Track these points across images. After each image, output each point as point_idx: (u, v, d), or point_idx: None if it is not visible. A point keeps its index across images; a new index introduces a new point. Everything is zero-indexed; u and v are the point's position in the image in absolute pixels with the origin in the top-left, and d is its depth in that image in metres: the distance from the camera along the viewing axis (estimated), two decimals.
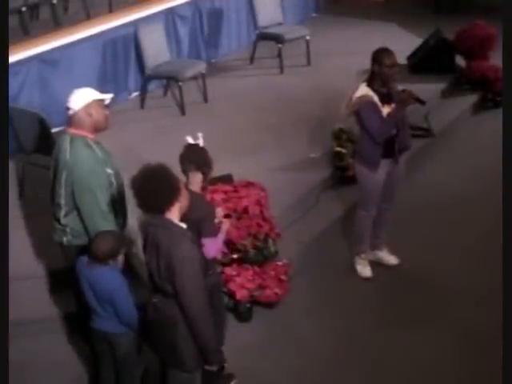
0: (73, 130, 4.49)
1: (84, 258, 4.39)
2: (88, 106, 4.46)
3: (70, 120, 4.52)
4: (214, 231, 4.59)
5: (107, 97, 4.59)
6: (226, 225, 4.76)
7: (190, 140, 4.60)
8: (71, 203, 4.48)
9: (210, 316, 3.99)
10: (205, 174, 4.57)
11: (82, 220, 4.50)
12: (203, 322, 3.95)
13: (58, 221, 4.60)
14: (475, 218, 6.82)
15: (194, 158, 4.51)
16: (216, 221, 4.68)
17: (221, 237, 4.66)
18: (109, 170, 4.50)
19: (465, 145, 8.20)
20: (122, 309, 4.32)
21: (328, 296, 5.88)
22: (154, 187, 3.87)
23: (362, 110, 5.56)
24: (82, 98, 4.47)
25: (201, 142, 4.61)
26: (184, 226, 4.01)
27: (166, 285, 3.95)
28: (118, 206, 4.57)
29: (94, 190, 4.40)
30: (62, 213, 4.55)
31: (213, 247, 4.54)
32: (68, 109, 4.49)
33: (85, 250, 4.45)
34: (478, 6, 10.94)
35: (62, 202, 4.51)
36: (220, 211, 4.83)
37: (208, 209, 4.62)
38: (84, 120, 4.46)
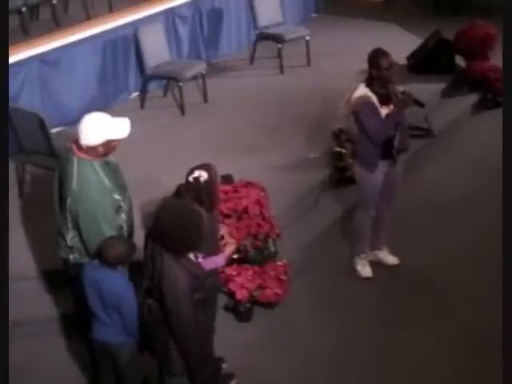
0: (80, 154, 4.33)
1: (93, 263, 4.35)
2: (101, 145, 4.31)
3: (78, 144, 4.32)
4: (213, 249, 4.51)
5: (123, 136, 4.39)
6: (231, 247, 4.68)
7: (195, 174, 4.43)
8: (77, 227, 4.38)
9: (197, 338, 3.98)
10: (210, 207, 4.48)
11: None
12: (190, 344, 3.98)
13: (64, 239, 4.50)
14: (475, 217, 6.82)
15: (197, 196, 4.37)
16: (223, 242, 4.63)
17: (221, 258, 4.59)
18: (116, 196, 4.38)
19: (465, 145, 8.20)
20: (129, 315, 4.27)
21: (328, 296, 5.88)
22: (182, 236, 3.84)
23: (360, 111, 5.56)
24: (96, 136, 4.27)
25: (204, 177, 4.43)
26: None
27: (157, 295, 3.97)
28: (126, 227, 4.50)
29: (99, 222, 4.29)
30: (70, 235, 4.45)
31: (207, 266, 4.40)
32: (79, 134, 4.28)
33: None
34: (478, 6, 10.94)
35: (69, 225, 4.41)
36: (226, 232, 4.74)
37: (208, 227, 4.56)
38: (94, 152, 4.32)
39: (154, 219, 3.96)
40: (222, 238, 4.70)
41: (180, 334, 3.95)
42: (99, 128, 4.30)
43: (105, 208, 4.31)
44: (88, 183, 4.29)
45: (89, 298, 4.35)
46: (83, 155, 4.33)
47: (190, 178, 4.45)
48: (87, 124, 4.31)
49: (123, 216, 4.46)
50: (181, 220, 3.87)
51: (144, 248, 4.16)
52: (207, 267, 4.43)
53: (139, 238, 4.43)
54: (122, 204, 4.44)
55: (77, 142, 4.33)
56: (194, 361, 4.03)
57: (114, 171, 4.48)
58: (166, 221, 3.89)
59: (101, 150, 4.33)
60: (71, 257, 4.53)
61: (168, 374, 4.18)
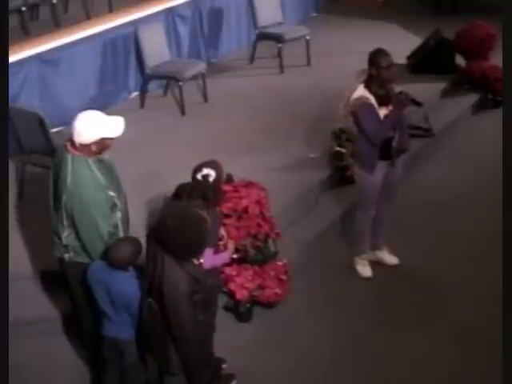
0: (74, 151, 4.34)
1: (99, 262, 4.35)
2: (95, 143, 4.31)
3: (73, 142, 4.33)
4: (214, 243, 4.53)
5: (117, 134, 4.38)
6: (232, 244, 4.78)
7: (204, 172, 4.45)
8: (73, 225, 4.40)
9: (195, 341, 3.97)
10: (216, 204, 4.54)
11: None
12: (189, 347, 3.97)
13: (59, 238, 4.51)
14: (475, 217, 6.82)
15: (203, 194, 4.39)
16: (223, 242, 4.66)
17: (227, 254, 4.68)
18: (111, 193, 4.38)
19: (465, 145, 8.20)
20: (139, 315, 4.27)
21: (328, 296, 5.88)
22: (184, 240, 3.82)
23: (359, 112, 5.56)
24: (90, 134, 4.28)
25: (212, 176, 4.45)
26: None
27: (157, 296, 3.97)
28: (121, 224, 4.50)
29: (95, 218, 4.31)
30: (65, 233, 4.45)
31: (208, 258, 4.42)
32: (73, 132, 4.30)
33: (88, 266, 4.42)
34: (477, 6, 10.94)
35: (65, 223, 4.41)
36: (223, 233, 4.77)
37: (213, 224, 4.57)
38: (88, 150, 4.32)
39: (158, 221, 3.94)
40: (222, 237, 4.72)
41: (179, 337, 3.94)
42: (93, 126, 4.30)
43: (100, 204, 4.32)
44: (82, 179, 4.30)
45: (98, 297, 4.36)
46: (77, 152, 4.34)
47: (199, 176, 4.45)
48: (81, 122, 4.32)
49: (118, 214, 4.46)
50: (184, 224, 3.84)
51: (146, 247, 4.15)
52: (213, 264, 4.49)
53: (139, 237, 4.44)
54: (117, 201, 4.44)
55: (71, 139, 4.35)
56: (192, 363, 4.02)
57: (108, 169, 4.49)
58: (169, 223, 3.85)
59: (94, 148, 4.33)
60: (66, 256, 4.54)
61: (167, 373, 4.18)
